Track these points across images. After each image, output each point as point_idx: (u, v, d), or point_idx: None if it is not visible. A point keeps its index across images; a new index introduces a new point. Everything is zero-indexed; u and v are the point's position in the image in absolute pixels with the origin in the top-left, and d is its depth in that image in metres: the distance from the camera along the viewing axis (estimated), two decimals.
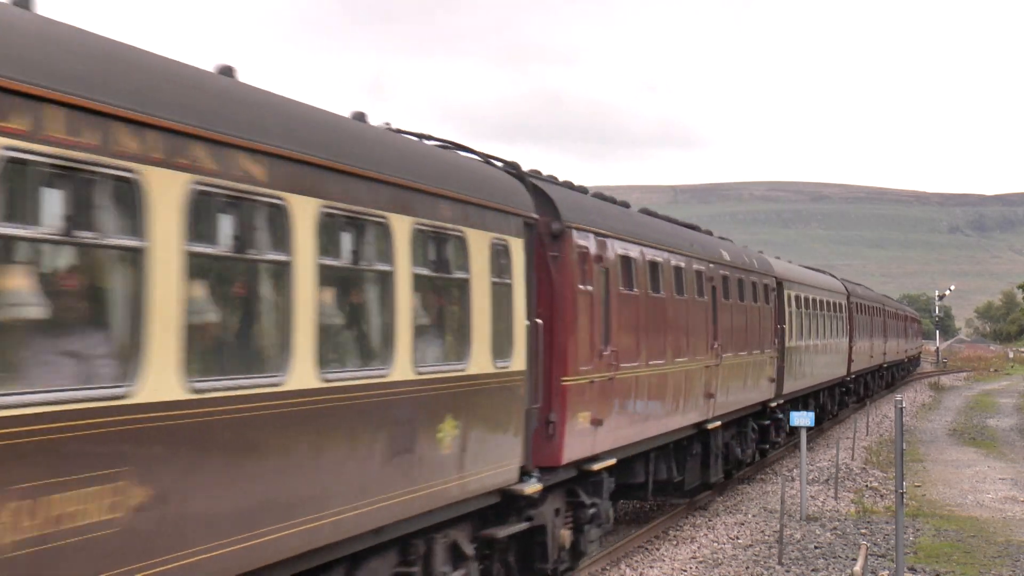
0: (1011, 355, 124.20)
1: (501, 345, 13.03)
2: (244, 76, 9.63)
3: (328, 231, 9.62)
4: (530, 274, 13.95)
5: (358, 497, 10.02)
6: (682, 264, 20.91)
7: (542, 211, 14.73)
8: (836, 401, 44.75)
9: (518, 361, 13.50)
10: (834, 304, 41.08)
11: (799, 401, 34.67)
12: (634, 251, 18.17)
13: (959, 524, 22.85)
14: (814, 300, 36.63)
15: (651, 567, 18.57)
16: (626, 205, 20.08)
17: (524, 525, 14.15)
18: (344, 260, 10.08)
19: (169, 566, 7.65)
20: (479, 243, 12.52)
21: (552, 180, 17.14)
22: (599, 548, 17.38)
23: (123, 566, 7.26)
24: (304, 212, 9.21)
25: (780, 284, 30.98)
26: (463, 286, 12.22)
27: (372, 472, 10.28)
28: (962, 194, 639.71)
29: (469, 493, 12.38)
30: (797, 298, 33.35)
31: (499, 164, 14.89)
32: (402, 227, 10.81)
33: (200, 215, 8.05)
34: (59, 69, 7.04)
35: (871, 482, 28.54)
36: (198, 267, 8.03)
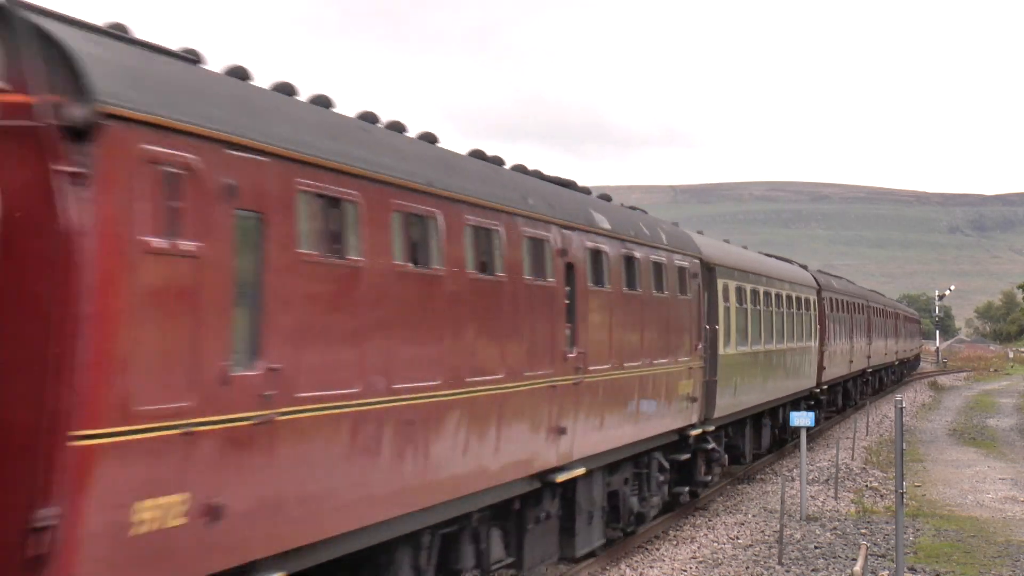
0: (1011, 355, 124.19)
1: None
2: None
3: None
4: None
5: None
6: (498, 227, 13.36)
7: None
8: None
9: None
10: (800, 300, 33.83)
11: (747, 423, 28.29)
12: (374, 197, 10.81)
13: (959, 524, 22.86)
14: (766, 294, 28.86)
15: (651, 567, 18.57)
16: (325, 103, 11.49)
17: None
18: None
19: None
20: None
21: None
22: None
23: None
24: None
25: (710, 270, 23.45)
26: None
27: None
28: (962, 194, 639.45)
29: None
30: (738, 290, 25.80)
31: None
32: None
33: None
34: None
35: (871, 482, 28.56)
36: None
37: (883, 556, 19.05)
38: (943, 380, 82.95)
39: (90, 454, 7.39)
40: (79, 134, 7.37)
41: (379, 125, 12.34)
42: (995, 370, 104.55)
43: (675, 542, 20.87)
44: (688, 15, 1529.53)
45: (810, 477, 27.83)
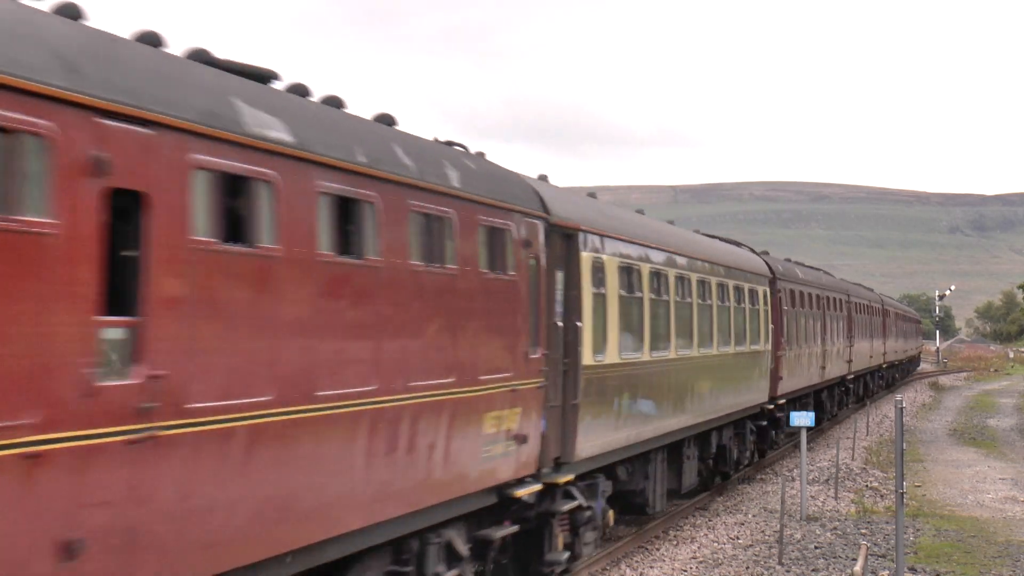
0: (1011, 355, 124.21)
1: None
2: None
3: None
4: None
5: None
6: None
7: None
8: (735, 449, 27.70)
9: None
10: (742, 290, 26.46)
11: (654, 458, 20.94)
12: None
13: (959, 524, 22.85)
14: (680, 279, 21.26)
15: (651, 567, 18.57)
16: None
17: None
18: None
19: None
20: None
21: None
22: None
23: None
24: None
25: (568, 236, 15.88)
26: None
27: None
28: (962, 194, 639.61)
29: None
30: (627, 271, 18.20)
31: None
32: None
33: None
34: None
35: (871, 482, 28.55)
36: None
37: (883, 556, 19.05)
38: (943, 380, 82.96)
39: None
40: None
41: (312, 99, 10.77)
42: (995, 370, 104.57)
43: (675, 542, 20.86)
44: (688, 15, 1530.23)
45: (810, 477, 27.83)
